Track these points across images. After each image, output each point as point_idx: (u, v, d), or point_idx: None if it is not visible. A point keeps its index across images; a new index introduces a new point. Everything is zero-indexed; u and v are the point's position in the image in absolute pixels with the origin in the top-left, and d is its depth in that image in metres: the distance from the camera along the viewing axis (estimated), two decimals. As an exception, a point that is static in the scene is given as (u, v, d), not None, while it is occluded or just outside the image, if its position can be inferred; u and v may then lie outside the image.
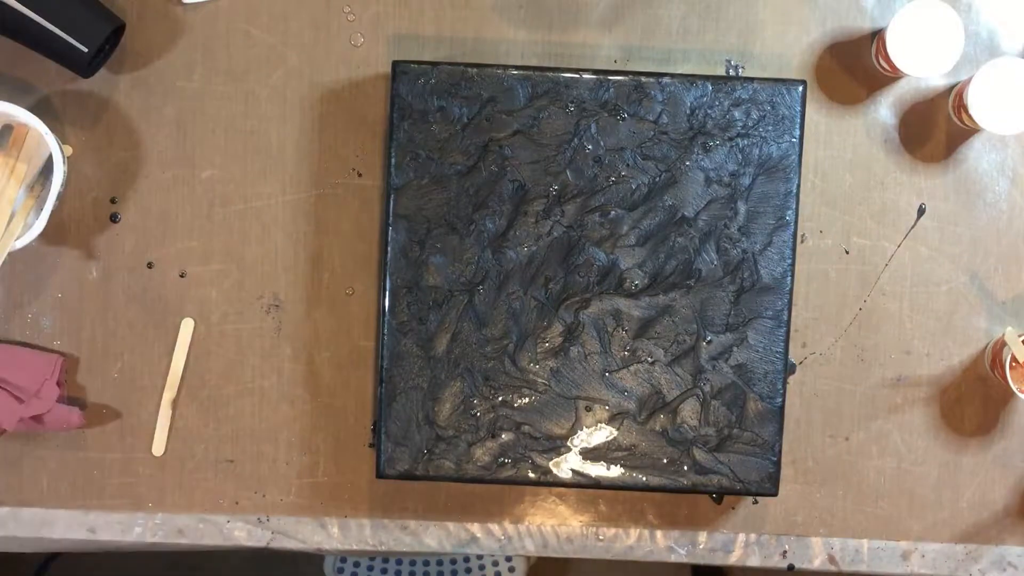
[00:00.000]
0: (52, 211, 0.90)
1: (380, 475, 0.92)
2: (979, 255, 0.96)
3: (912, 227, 0.96)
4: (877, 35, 0.94)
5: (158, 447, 0.97)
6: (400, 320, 0.91)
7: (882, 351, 0.97)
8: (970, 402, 0.97)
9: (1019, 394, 0.91)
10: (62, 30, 0.88)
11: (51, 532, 0.98)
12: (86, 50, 0.89)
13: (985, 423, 0.97)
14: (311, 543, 0.98)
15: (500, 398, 0.91)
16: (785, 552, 0.98)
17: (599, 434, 0.92)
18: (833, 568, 0.98)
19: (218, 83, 0.95)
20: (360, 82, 0.95)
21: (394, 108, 0.90)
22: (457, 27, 0.95)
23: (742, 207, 0.90)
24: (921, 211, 0.96)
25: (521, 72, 0.90)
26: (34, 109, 0.93)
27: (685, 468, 0.91)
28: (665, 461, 0.91)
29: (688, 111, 0.90)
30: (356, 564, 1.40)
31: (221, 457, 0.97)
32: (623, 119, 0.90)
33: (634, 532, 0.98)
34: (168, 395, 0.96)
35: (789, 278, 0.91)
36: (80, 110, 0.95)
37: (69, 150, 0.94)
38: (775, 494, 0.92)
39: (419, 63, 0.90)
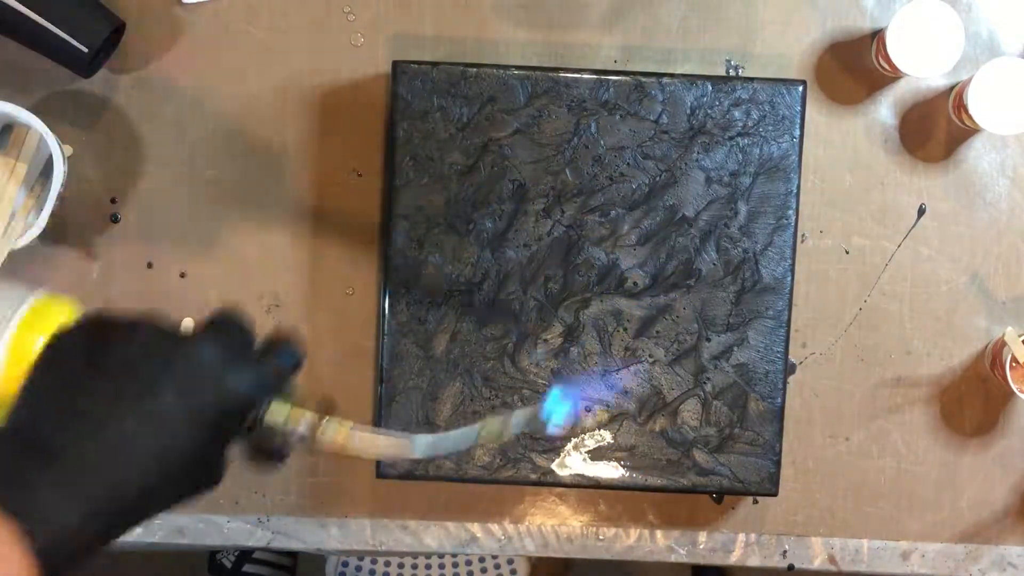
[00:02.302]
0: (52, 211, 0.90)
1: (380, 475, 0.92)
2: (979, 255, 0.96)
3: (912, 227, 0.96)
4: (877, 35, 0.95)
5: (158, 447, 0.96)
6: (400, 320, 0.91)
7: (882, 351, 0.97)
8: (970, 402, 0.97)
9: (1019, 394, 0.91)
10: (62, 30, 0.88)
11: (51, 532, 0.98)
12: (86, 50, 0.89)
13: (985, 423, 0.97)
14: (311, 543, 0.98)
15: (500, 398, 0.91)
16: (785, 552, 0.98)
17: (599, 434, 0.91)
18: (833, 568, 0.98)
19: (218, 83, 0.95)
20: (360, 82, 0.95)
21: (394, 108, 0.90)
22: (457, 27, 0.95)
23: (742, 207, 0.90)
24: (921, 211, 0.96)
25: (521, 72, 0.90)
26: (34, 109, 0.93)
27: (685, 468, 0.91)
28: (665, 461, 0.91)
29: (688, 111, 0.90)
30: (358, 569, 1.40)
31: (221, 457, 0.97)
32: (623, 119, 0.90)
33: (634, 532, 0.98)
34: (168, 395, 0.96)
35: (789, 278, 0.91)
36: (80, 110, 0.95)
37: (69, 150, 0.94)
38: (775, 494, 0.92)
39: (419, 63, 0.90)
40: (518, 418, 0.62)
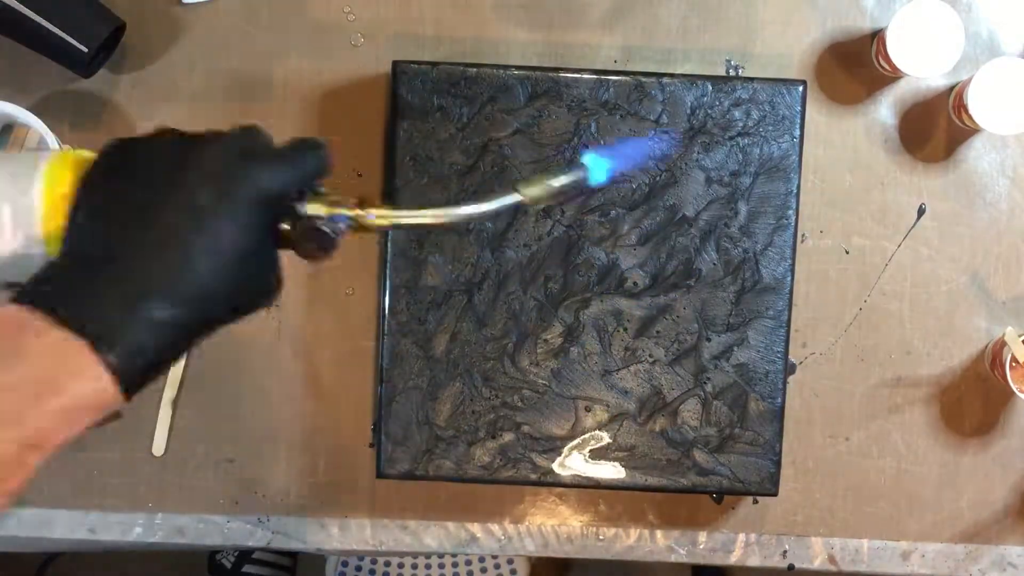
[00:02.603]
0: (52, 211, 0.90)
1: (380, 475, 0.92)
2: (979, 255, 0.96)
3: (912, 227, 0.96)
4: (877, 35, 0.95)
5: (158, 447, 0.97)
6: (400, 320, 0.91)
7: (882, 351, 0.97)
8: (970, 402, 0.97)
9: (1019, 394, 0.91)
10: (62, 30, 0.88)
11: (51, 532, 0.98)
12: (86, 50, 0.89)
13: (985, 423, 0.97)
14: (311, 543, 0.98)
15: (500, 398, 0.91)
16: (785, 552, 0.98)
17: (599, 435, 0.92)
18: (833, 568, 0.98)
19: (218, 83, 0.95)
20: (360, 82, 0.95)
21: (394, 108, 0.90)
22: (457, 27, 0.95)
23: (743, 207, 0.90)
24: (921, 211, 0.96)
25: (521, 72, 0.90)
26: (34, 109, 0.93)
27: (685, 468, 0.91)
28: (665, 461, 0.91)
29: (688, 111, 0.90)
30: (358, 569, 1.40)
31: (221, 457, 0.97)
32: (623, 119, 0.90)
33: (634, 532, 0.98)
34: (168, 395, 0.96)
35: (789, 278, 0.91)
36: (80, 110, 0.95)
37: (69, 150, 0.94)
38: (775, 494, 0.92)
39: (419, 63, 0.90)
40: (560, 179, 0.62)
